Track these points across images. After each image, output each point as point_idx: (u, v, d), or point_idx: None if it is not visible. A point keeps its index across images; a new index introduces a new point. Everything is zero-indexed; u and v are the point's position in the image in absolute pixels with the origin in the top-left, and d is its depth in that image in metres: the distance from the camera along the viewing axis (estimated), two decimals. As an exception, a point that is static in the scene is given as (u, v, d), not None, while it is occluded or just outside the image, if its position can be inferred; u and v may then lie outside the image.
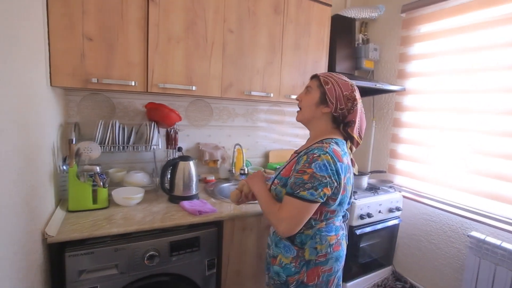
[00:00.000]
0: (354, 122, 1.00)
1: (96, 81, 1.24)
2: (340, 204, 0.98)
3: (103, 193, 1.31)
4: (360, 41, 2.32)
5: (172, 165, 1.45)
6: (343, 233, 1.07)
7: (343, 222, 1.09)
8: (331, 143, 0.95)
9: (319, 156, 0.89)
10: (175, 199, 1.45)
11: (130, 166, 1.66)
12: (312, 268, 0.98)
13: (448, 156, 1.90)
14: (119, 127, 1.46)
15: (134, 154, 1.67)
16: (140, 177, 1.53)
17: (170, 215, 1.29)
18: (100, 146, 1.37)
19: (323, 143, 0.95)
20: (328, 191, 0.89)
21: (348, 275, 1.91)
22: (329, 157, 0.89)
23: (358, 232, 1.86)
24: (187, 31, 1.42)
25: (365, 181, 2.03)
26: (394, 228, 2.11)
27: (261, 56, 1.66)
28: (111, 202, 1.36)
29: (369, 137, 2.41)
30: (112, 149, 1.44)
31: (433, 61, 1.97)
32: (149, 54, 1.34)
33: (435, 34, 1.95)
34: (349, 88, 0.99)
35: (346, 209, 1.10)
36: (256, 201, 1.10)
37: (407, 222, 2.13)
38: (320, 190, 0.88)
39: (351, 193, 1.04)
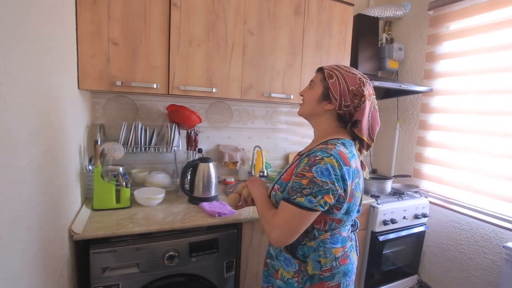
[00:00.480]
0: (361, 121, 0.87)
1: (120, 84, 1.28)
2: (348, 213, 0.86)
3: (126, 193, 1.35)
4: (384, 40, 2.24)
5: (192, 166, 1.47)
6: (351, 244, 0.94)
7: (352, 231, 0.98)
8: (337, 144, 0.84)
9: (322, 159, 0.79)
10: (195, 200, 1.46)
11: (151, 167, 1.70)
12: (316, 283, 0.87)
13: (480, 161, 1.79)
14: (142, 128, 1.50)
15: (156, 155, 1.71)
16: (161, 178, 1.56)
17: (190, 216, 1.30)
18: (124, 147, 1.41)
19: (327, 144, 0.84)
20: (330, 199, 0.78)
21: (371, 283, 1.84)
22: (334, 161, 0.78)
23: (381, 238, 1.79)
24: (208, 34, 1.43)
25: (388, 185, 1.95)
26: (420, 235, 2.02)
27: (281, 57, 1.64)
28: (133, 202, 1.40)
29: (392, 140, 2.32)
30: (134, 150, 1.48)
31: (464, 60, 1.87)
32: (171, 57, 1.36)
33: (466, 31, 1.85)
34: (356, 83, 0.86)
35: (356, 217, 1.00)
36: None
37: (434, 230, 2.02)
38: (320, 197, 0.77)
39: (361, 200, 0.93)
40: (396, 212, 1.82)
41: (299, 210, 0.78)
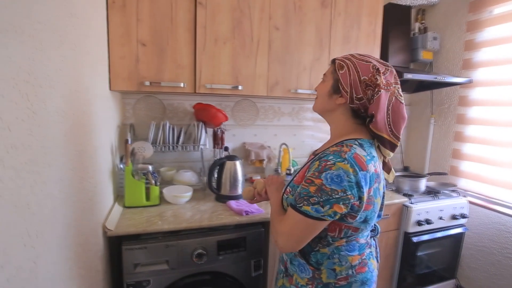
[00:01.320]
0: (376, 115, 0.76)
1: (148, 84, 1.31)
2: (365, 221, 0.78)
3: (155, 191, 1.37)
4: (417, 30, 2.11)
5: (219, 164, 1.47)
6: (370, 251, 0.86)
7: (371, 237, 0.90)
8: (354, 145, 0.76)
9: (334, 164, 0.71)
10: (222, 198, 1.46)
11: (179, 165, 1.73)
12: (331, 286, 0.81)
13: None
14: (169, 127, 1.52)
15: (183, 153, 1.73)
16: (189, 176, 1.58)
17: (217, 214, 1.31)
18: (153, 146, 1.44)
19: (342, 146, 0.76)
20: (340, 209, 0.71)
21: (403, 286, 1.76)
22: (348, 166, 0.70)
23: (415, 239, 1.70)
24: (233, 31, 1.42)
25: (422, 183, 1.84)
26: (458, 237, 1.89)
27: (308, 52, 1.60)
28: (162, 200, 1.42)
29: (426, 135, 2.19)
30: (163, 149, 1.51)
31: (509, 47, 1.71)
32: (197, 56, 1.37)
33: None
34: (369, 71, 0.76)
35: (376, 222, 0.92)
36: None
37: (474, 232, 1.88)
38: (328, 206, 0.71)
39: (382, 205, 0.85)
40: (431, 212, 1.72)
41: (305, 218, 0.73)
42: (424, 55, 2.05)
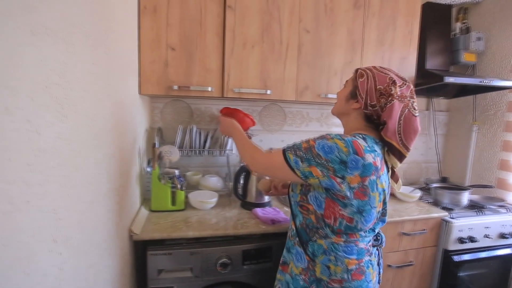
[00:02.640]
0: (387, 122, 0.81)
1: (177, 88, 1.30)
2: (360, 212, 0.79)
3: (181, 195, 1.36)
4: (458, 31, 1.96)
5: (246, 171, 1.43)
6: (370, 260, 0.86)
7: (374, 246, 0.90)
8: (357, 136, 0.81)
9: (332, 138, 0.78)
10: (247, 206, 1.42)
11: (205, 170, 1.71)
12: None
13: None
14: (196, 132, 1.51)
15: (209, 158, 1.72)
16: (215, 181, 1.56)
17: (242, 222, 1.27)
18: (179, 150, 1.44)
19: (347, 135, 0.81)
20: (316, 173, 0.76)
21: (443, 308, 1.61)
22: (343, 145, 0.75)
23: (456, 258, 1.55)
24: (262, 35, 1.39)
25: (465, 197, 1.68)
26: (508, 259, 1.70)
27: (339, 55, 1.53)
28: (187, 205, 1.41)
29: (467, 144, 2.02)
30: (189, 153, 1.50)
31: None
32: (225, 60, 1.35)
33: None
34: (385, 82, 0.83)
35: (378, 231, 0.91)
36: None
37: (526, 253, 1.69)
38: (306, 165, 0.77)
39: (384, 209, 0.86)
40: (475, 229, 1.56)
41: (284, 163, 0.80)
42: (466, 57, 1.90)
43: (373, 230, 0.87)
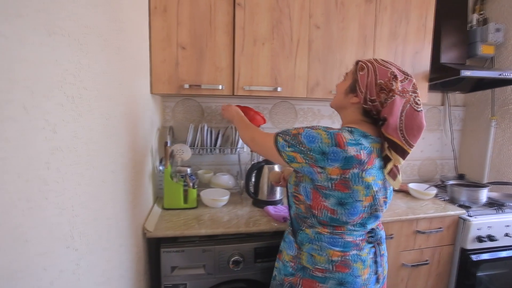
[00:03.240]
0: (388, 118, 0.79)
1: (188, 87, 1.31)
2: (341, 204, 0.80)
3: (193, 193, 1.37)
4: (474, 22, 1.90)
5: (257, 168, 1.43)
6: (358, 254, 0.85)
7: (370, 243, 0.88)
8: (343, 129, 0.82)
9: (317, 129, 0.81)
10: (259, 203, 1.42)
11: (216, 168, 1.72)
12: (307, 278, 0.85)
13: None
14: (207, 130, 1.52)
15: (221, 156, 1.72)
16: (226, 179, 1.56)
17: (254, 220, 1.27)
18: (191, 149, 1.45)
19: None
20: (298, 159, 0.80)
21: (460, 309, 1.56)
22: (326, 137, 0.78)
23: (474, 258, 1.50)
24: (272, 31, 1.38)
25: (483, 194, 1.63)
26: (529, 258, 1.64)
27: (350, 50, 1.50)
28: (199, 203, 1.42)
29: (485, 139, 1.95)
30: (201, 152, 1.51)
31: None
32: (235, 58, 1.35)
33: None
34: (386, 76, 0.80)
35: (373, 227, 0.90)
36: None
37: (549, 252, 1.62)
38: (291, 150, 0.81)
39: (375, 204, 0.84)
40: (495, 227, 1.51)
41: (273, 145, 0.85)
42: (484, 50, 1.83)
43: (362, 225, 0.86)
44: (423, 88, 1.64)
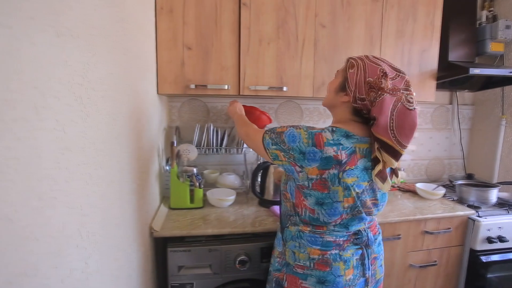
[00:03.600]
0: (378, 118, 0.77)
1: (194, 87, 1.31)
2: (320, 204, 0.81)
3: (199, 193, 1.38)
4: (484, 19, 1.87)
5: (263, 168, 1.43)
6: (338, 253, 0.84)
7: (353, 242, 0.86)
8: (326, 129, 0.81)
9: (300, 128, 0.81)
10: (265, 203, 1.42)
11: (222, 168, 1.72)
12: (290, 274, 0.87)
13: None
14: (213, 130, 1.52)
15: (227, 156, 1.73)
16: (232, 179, 1.57)
17: (260, 220, 1.26)
18: (197, 148, 1.45)
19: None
20: (280, 157, 0.82)
21: (470, 311, 1.54)
22: (305, 137, 0.78)
23: (484, 259, 1.48)
24: (278, 31, 1.38)
25: (493, 194, 1.60)
26: (541, 259, 1.61)
27: (356, 49, 1.49)
28: (205, 202, 1.42)
29: (495, 138, 1.92)
30: (207, 151, 1.52)
31: None
32: (241, 58, 1.35)
33: None
34: (376, 74, 0.77)
35: (359, 229, 0.87)
36: None
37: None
38: (274, 148, 0.83)
39: (358, 206, 0.81)
40: (506, 228, 1.48)
41: (261, 141, 0.87)
42: (493, 47, 1.80)
43: (344, 226, 0.84)
44: (430, 86, 1.62)
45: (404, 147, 0.77)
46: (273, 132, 0.85)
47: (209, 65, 1.33)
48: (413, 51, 1.58)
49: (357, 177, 0.80)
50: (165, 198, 1.49)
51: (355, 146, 0.80)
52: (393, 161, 0.78)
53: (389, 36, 1.53)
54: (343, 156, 0.78)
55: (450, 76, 1.66)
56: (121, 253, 0.81)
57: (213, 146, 1.51)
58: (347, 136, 0.80)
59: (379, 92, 0.77)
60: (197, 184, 1.37)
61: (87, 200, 0.60)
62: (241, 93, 1.37)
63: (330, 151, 0.77)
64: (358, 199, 0.81)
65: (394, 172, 0.89)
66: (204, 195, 1.42)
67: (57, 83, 0.49)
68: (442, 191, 1.64)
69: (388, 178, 0.82)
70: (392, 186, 1.82)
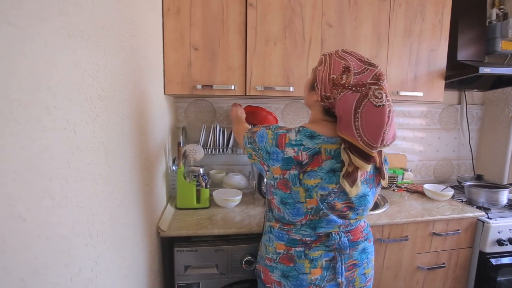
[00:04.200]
0: (340, 117, 0.73)
1: (200, 87, 1.32)
2: (283, 204, 0.82)
3: (205, 193, 1.38)
4: (494, 17, 1.84)
5: (269, 168, 1.43)
6: (303, 250, 0.83)
7: (325, 244, 0.83)
8: (292, 129, 0.80)
9: (269, 128, 0.83)
10: (271, 204, 1.41)
11: (228, 168, 1.73)
12: (263, 266, 0.90)
13: None
14: (220, 130, 1.53)
15: (233, 156, 1.73)
16: (238, 180, 1.57)
17: (266, 220, 1.26)
18: (203, 149, 1.46)
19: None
20: (254, 156, 0.86)
21: (479, 314, 1.51)
22: (271, 137, 0.80)
23: (494, 261, 1.45)
24: (284, 31, 1.38)
25: (504, 196, 1.57)
26: (553, 262, 1.57)
27: (364, 49, 1.48)
28: (211, 202, 1.43)
29: (505, 139, 1.89)
30: (213, 152, 1.52)
31: None
32: (248, 58, 1.35)
33: None
34: (339, 70, 0.73)
35: (331, 231, 0.84)
36: None
37: None
38: (249, 146, 0.87)
39: (323, 208, 0.79)
40: (516, 230, 1.46)
41: (243, 139, 0.92)
42: (504, 46, 1.77)
43: (311, 227, 0.82)
44: (439, 86, 1.60)
45: (373, 148, 0.70)
46: (250, 132, 0.89)
47: (216, 65, 1.34)
48: (421, 50, 1.56)
49: (321, 178, 0.77)
50: (171, 198, 1.50)
51: (320, 147, 0.77)
52: (364, 163, 0.72)
53: (397, 35, 1.52)
54: (303, 157, 0.76)
55: (459, 75, 1.64)
56: (129, 253, 0.82)
57: (219, 146, 1.51)
58: (312, 136, 0.77)
59: (340, 89, 0.73)
60: (204, 184, 1.37)
61: (96, 199, 0.61)
62: (247, 94, 1.37)
63: (290, 152, 0.76)
64: (323, 201, 0.79)
65: (380, 174, 0.83)
66: (210, 195, 1.43)
67: (68, 83, 0.49)
68: (450, 192, 1.62)
69: (359, 181, 0.76)
70: (399, 187, 1.81)
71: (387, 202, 1.54)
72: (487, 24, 1.83)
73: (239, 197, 1.40)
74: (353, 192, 0.76)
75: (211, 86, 1.33)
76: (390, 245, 1.36)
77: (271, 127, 0.84)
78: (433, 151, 2.04)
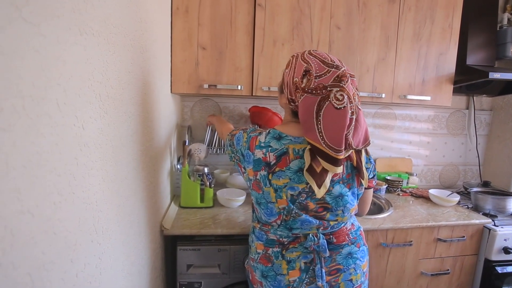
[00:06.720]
0: (304, 121, 0.72)
1: (207, 87, 1.32)
2: (258, 204, 0.85)
3: (209, 192, 1.38)
4: (505, 22, 1.81)
5: (273, 169, 1.42)
6: (280, 251, 0.83)
7: (303, 245, 0.82)
8: (262, 131, 0.83)
9: (245, 131, 0.85)
10: (274, 205, 1.41)
11: (233, 168, 1.72)
12: (250, 266, 0.92)
13: None
14: (225, 130, 1.53)
15: (236, 156, 1.73)
16: (242, 180, 1.56)
17: (270, 221, 1.26)
18: (208, 148, 1.46)
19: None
20: (233, 157, 0.89)
21: (483, 323, 1.49)
22: (245, 140, 0.83)
23: (499, 270, 1.43)
24: (292, 32, 1.37)
25: (511, 203, 1.55)
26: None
27: (371, 52, 1.47)
28: (215, 202, 1.43)
29: (514, 146, 1.86)
30: (218, 151, 1.52)
31: None
32: (255, 58, 1.35)
33: None
34: (300, 73, 0.73)
35: (309, 232, 0.83)
36: None
37: None
38: (229, 149, 0.90)
39: (292, 209, 0.79)
40: (523, 238, 1.43)
41: (225, 141, 0.95)
42: (514, 52, 1.75)
43: (286, 227, 0.82)
44: (447, 91, 1.59)
45: (338, 151, 0.69)
46: (231, 134, 0.91)
47: (223, 65, 1.34)
48: (430, 54, 1.55)
49: (290, 178, 0.77)
50: (175, 196, 1.51)
51: (287, 147, 0.77)
52: (331, 166, 0.70)
53: (406, 38, 1.51)
54: (271, 158, 0.77)
55: (468, 80, 1.62)
56: (132, 250, 0.82)
57: (224, 146, 1.51)
58: (279, 137, 0.78)
59: (300, 93, 0.72)
60: (208, 183, 1.38)
61: (103, 196, 0.61)
62: (253, 94, 1.37)
63: (259, 154, 0.79)
64: (294, 202, 0.79)
65: (359, 173, 0.81)
66: (214, 194, 1.43)
67: (79, 80, 0.50)
68: (456, 198, 1.60)
69: (327, 182, 0.74)
70: (404, 192, 1.79)
71: (391, 206, 1.53)
72: (498, 29, 1.80)
73: (243, 197, 1.40)
74: (321, 192, 0.73)
75: (218, 86, 1.33)
76: (393, 250, 1.35)
77: (247, 130, 0.86)
78: (439, 156, 2.02)
